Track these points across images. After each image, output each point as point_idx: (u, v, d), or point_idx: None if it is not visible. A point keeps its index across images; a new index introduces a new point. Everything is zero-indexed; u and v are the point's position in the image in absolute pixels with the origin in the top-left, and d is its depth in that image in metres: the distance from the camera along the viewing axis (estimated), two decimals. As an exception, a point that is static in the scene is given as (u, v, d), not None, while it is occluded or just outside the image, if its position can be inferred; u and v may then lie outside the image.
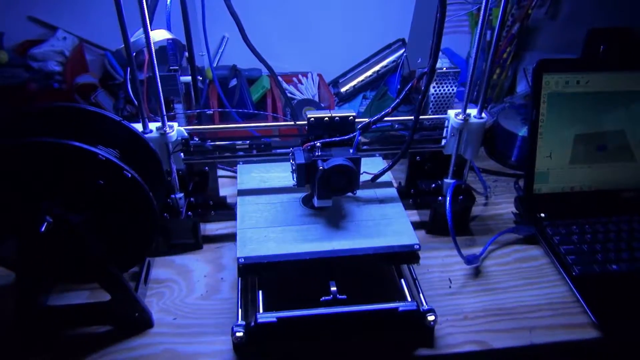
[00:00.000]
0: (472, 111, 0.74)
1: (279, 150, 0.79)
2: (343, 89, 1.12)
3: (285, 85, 1.12)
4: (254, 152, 0.94)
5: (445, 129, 0.77)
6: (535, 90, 0.80)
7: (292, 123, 0.75)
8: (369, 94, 1.15)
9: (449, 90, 0.80)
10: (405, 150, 0.74)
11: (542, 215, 0.82)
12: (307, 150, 0.72)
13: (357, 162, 0.68)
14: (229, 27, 1.07)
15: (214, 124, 1.01)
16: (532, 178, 0.83)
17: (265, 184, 0.82)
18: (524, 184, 0.85)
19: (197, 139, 0.75)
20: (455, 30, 1.14)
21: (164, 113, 0.69)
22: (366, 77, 1.12)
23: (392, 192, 0.78)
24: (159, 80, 0.66)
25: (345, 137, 0.72)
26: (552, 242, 0.77)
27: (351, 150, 0.71)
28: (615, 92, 0.82)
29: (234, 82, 1.06)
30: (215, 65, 1.09)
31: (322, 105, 1.08)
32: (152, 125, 0.70)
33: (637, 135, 0.84)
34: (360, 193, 0.75)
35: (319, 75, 1.14)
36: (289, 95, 1.10)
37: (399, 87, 1.00)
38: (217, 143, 0.78)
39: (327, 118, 0.71)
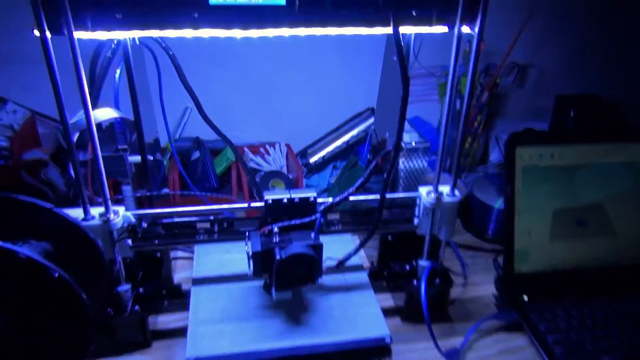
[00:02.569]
0: (445, 188, 0.70)
1: (243, 229, 0.73)
2: (312, 160, 1.08)
3: (251, 156, 1.07)
4: (216, 228, 0.88)
5: (416, 207, 0.72)
6: (509, 164, 0.76)
7: (246, 205, 0.69)
8: (340, 164, 1.11)
9: (419, 164, 0.76)
10: (371, 234, 0.68)
11: (525, 297, 0.76)
12: (265, 234, 0.65)
13: (318, 249, 0.62)
14: (190, 99, 1.05)
15: (173, 203, 0.95)
16: (512, 257, 0.78)
17: (224, 268, 0.75)
18: (503, 264, 0.79)
19: (145, 224, 0.68)
20: (424, 98, 1.12)
21: (108, 197, 0.63)
22: (335, 147, 1.08)
23: (362, 276, 0.71)
24: (101, 162, 0.60)
25: (306, 219, 0.66)
26: (538, 331, 0.70)
27: (312, 235, 0.65)
28: (590, 164, 0.78)
29: (196, 154, 1.01)
30: (177, 137, 1.04)
31: (290, 176, 1.03)
32: (95, 211, 0.64)
33: (616, 209, 0.80)
34: (326, 279, 0.68)
35: (287, 145, 1.10)
36: (255, 167, 1.05)
37: (368, 157, 0.96)
38: (175, 220, 0.72)
39: (286, 199, 0.66)
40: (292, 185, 1.02)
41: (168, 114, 1.04)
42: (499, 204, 0.95)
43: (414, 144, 0.73)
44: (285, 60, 1.05)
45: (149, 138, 0.79)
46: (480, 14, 0.57)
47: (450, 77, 0.63)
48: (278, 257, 0.61)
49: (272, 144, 1.09)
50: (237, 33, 0.56)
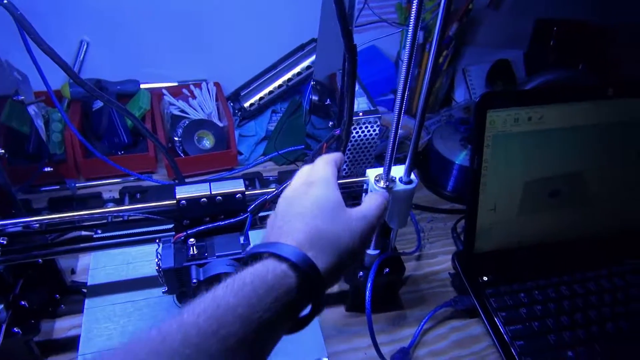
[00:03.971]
0: (398, 171, 0.56)
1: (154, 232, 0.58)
2: (247, 104, 0.90)
3: (172, 100, 0.88)
4: (126, 200, 0.73)
5: (364, 193, 0.59)
6: (478, 133, 0.63)
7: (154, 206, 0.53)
8: (280, 107, 0.94)
9: (369, 134, 0.61)
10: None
11: (485, 278, 0.67)
12: (180, 241, 0.52)
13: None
14: (90, 29, 0.82)
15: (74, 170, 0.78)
16: (473, 237, 0.67)
17: (129, 268, 0.61)
18: (463, 241, 0.69)
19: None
20: (381, 24, 0.93)
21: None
22: (275, 89, 0.90)
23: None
24: None
25: (233, 220, 0.52)
26: (496, 321, 0.62)
27: (242, 240, 0.52)
28: (573, 128, 0.66)
29: (98, 103, 0.81)
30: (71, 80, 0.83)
31: (221, 124, 0.86)
32: None
33: (596, 176, 0.69)
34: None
35: (217, 85, 0.91)
36: (177, 113, 0.87)
37: (310, 98, 0.79)
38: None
39: (204, 199, 0.51)
40: (223, 136, 0.85)
41: (59, 49, 0.82)
42: (461, 158, 0.83)
43: (360, 114, 0.58)
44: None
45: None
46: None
47: (410, 36, 0.46)
48: (195, 279, 0.48)
49: (198, 84, 0.90)
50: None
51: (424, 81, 0.47)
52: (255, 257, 0.36)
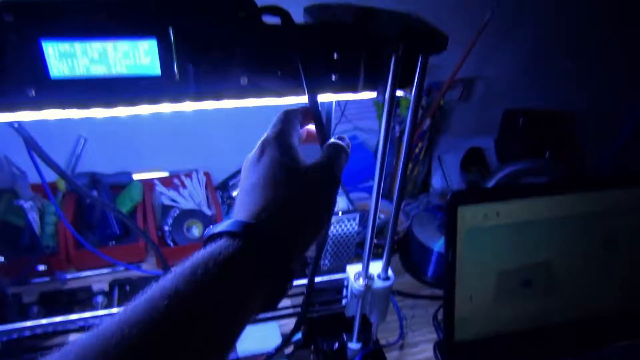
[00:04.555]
0: (376, 268, 0.60)
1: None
2: (234, 193, 0.94)
3: (163, 189, 0.92)
4: (115, 293, 0.75)
5: (344, 289, 0.62)
6: (450, 227, 0.67)
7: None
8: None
9: (347, 230, 0.65)
10: (300, 324, 0.57)
11: (466, 368, 0.69)
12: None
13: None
14: (87, 126, 0.88)
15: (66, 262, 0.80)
16: (452, 326, 0.70)
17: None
18: (443, 331, 0.71)
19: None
20: (360, 117, 1.01)
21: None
22: (261, 179, 0.94)
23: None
24: None
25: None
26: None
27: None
28: (537, 221, 0.71)
29: (93, 194, 0.85)
30: (69, 173, 0.87)
31: (210, 213, 0.90)
32: None
33: (562, 266, 0.73)
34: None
35: (206, 175, 0.96)
36: (169, 203, 0.91)
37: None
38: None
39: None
40: (211, 224, 0.89)
41: (58, 144, 0.87)
42: (439, 245, 0.87)
43: (340, 214, 0.62)
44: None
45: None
46: (417, 79, 0.46)
47: (380, 146, 0.51)
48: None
49: (189, 174, 0.95)
50: (99, 112, 0.42)
51: (398, 173, 0.52)
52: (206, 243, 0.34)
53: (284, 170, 0.37)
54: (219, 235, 0.33)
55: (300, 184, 0.37)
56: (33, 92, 0.39)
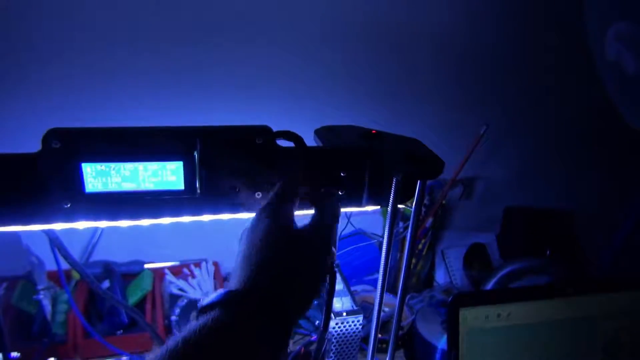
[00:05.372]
0: (380, 370, 0.60)
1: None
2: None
3: (172, 279, 0.94)
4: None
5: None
6: (452, 328, 0.68)
7: None
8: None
9: (351, 330, 0.67)
10: None
11: None
12: None
13: None
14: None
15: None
16: None
17: None
18: None
19: None
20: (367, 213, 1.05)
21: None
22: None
23: None
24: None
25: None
26: None
27: None
28: (538, 324, 0.72)
29: (106, 284, 0.88)
30: (83, 261, 0.90)
31: (217, 303, 0.92)
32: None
33: (566, 369, 0.73)
34: None
35: (215, 265, 0.99)
36: (177, 293, 0.93)
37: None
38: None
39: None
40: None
41: (75, 232, 0.91)
42: (442, 342, 0.87)
43: (344, 314, 0.64)
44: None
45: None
46: (416, 198, 0.50)
47: (384, 250, 0.54)
48: None
49: (198, 264, 0.98)
50: (125, 223, 0.46)
51: (402, 269, 0.55)
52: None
53: (275, 234, 0.39)
54: (211, 307, 0.34)
55: (291, 246, 0.38)
56: (68, 205, 0.44)
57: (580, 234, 1.17)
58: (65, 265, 0.72)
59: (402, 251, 1.00)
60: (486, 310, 0.70)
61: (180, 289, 0.94)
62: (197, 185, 0.46)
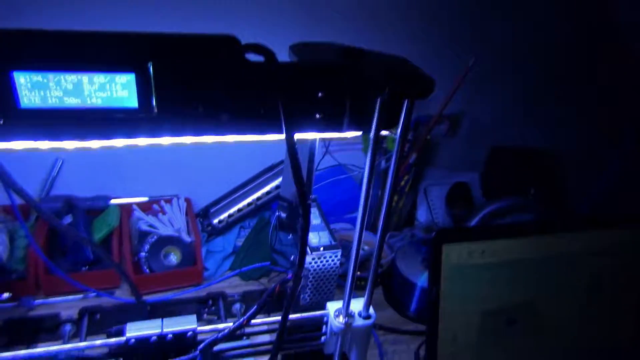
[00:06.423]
0: (357, 305, 0.58)
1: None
2: (216, 220, 0.92)
3: (141, 215, 0.90)
4: (85, 322, 0.72)
5: (324, 326, 0.60)
6: (434, 265, 0.66)
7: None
8: (249, 223, 0.96)
9: (329, 265, 0.64)
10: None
11: (447, 412, 0.67)
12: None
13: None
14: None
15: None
16: (434, 366, 0.68)
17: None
18: (424, 372, 0.69)
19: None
20: (346, 148, 1.00)
21: None
22: (244, 207, 0.93)
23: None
24: None
25: (184, 358, 0.52)
26: None
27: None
28: (521, 260, 0.70)
29: (68, 219, 0.82)
30: (43, 196, 0.84)
31: (189, 240, 0.88)
32: None
33: (547, 305, 0.72)
34: None
35: (187, 201, 0.94)
36: (146, 229, 0.88)
37: (277, 215, 0.81)
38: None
39: (155, 337, 0.51)
40: (190, 252, 0.86)
41: (34, 165, 0.85)
42: (422, 280, 0.85)
43: (322, 249, 0.61)
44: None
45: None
46: (402, 122, 0.45)
47: (365, 182, 0.50)
48: None
49: (169, 200, 0.93)
50: (70, 144, 0.40)
51: (383, 206, 0.51)
52: None
53: None
54: None
55: None
56: (0, 121, 0.38)
57: (567, 174, 1.15)
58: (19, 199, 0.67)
59: (383, 188, 0.96)
60: (470, 246, 0.67)
61: (150, 225, 0.89)
62: (154, 103, 0.40)
